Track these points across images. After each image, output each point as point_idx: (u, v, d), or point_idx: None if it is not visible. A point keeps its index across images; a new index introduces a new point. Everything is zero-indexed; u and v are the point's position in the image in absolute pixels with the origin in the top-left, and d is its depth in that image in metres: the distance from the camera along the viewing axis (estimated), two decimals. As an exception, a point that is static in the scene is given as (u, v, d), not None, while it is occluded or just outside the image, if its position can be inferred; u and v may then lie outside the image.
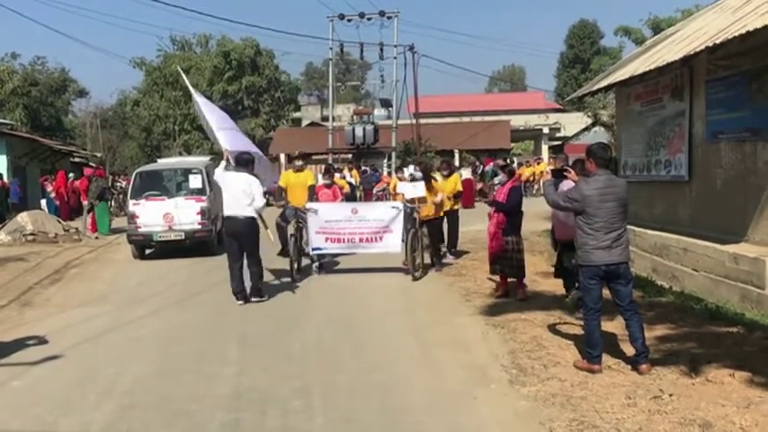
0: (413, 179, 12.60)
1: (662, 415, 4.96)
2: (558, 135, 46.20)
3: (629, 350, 6.39)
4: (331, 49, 35.09)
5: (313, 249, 11.52)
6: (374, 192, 26.74)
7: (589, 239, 6.19)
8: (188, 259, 13.81)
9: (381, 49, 33.52)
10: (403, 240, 11.41)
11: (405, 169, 22.74)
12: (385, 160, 36.17)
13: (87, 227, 19.60)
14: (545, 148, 44.31)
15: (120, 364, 7.02)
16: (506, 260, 9.52)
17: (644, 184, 13.13)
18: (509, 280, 9.69)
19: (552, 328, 7.55)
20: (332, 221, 11.28)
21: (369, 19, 33.21)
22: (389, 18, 33.30)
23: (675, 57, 10.26)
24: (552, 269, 9.56)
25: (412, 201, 11.58)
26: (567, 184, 7.17)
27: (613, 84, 13.49)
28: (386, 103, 44.81)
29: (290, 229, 11.88)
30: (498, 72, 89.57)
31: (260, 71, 57.52)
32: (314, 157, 38.59)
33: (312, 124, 51.47)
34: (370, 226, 11.23)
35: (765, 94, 9.15)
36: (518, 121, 44.50)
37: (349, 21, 33.30)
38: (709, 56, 9.77)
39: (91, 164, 32.74)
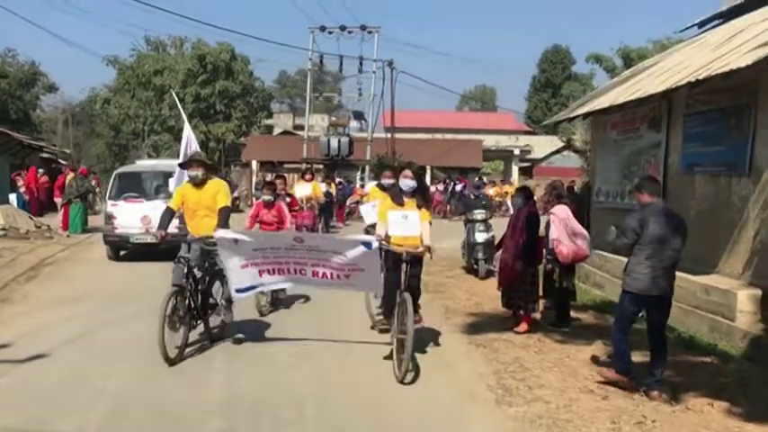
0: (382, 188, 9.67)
1: (646, 440, 5.10)
2: (527, 157, 46.88)
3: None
4: (311, 59, 35.19)
5: (238, 291, 7.92)
6: (347, 204, 26.93)
7: (640, 268, 6.33)
8: (163, 263, 13.57)
9: (361, 63, 33.75)
10: (376, 297, 8.86)
11: (369, 184, 22.58)
12: (358, 173, 36.33)
13: (59, 224, 19.39)
14: (515, 169, 44.90)
15: (108, 365, 7.02)
16: (522, 292, 8.85)
17: (618, 211, 13.39)
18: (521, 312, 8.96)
19: (532, 350, 7.69)
20: (266, 249, 7.66)
21: (350, 32, 33.42)
22: (370, 33, 33.58)
23: (657, 89, 10.49)
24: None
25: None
26: (560, 210, 7.41)
27: (592, 111, 13.77)
28: (359, 116, 45.03)
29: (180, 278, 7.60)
30: (469, 91, 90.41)
31: (234, 76, 57.37)
32: (286, 166, 38.65)
33: (285, 132, 51.46)
34: (326, 258, 7.54)
35: (743, 131, 9.39)
36: (488, 141, 45.04)
37: (330, 33, 33.45)
38: (689, 90, 9.95)
39: (62, 161, 32.31)
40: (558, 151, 45.66)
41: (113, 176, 15.58)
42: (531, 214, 8.91)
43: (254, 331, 8.44)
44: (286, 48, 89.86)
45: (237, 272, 7.74)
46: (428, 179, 33.13)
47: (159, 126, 57.31)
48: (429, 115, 56.28)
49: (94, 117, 64.41)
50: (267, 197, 9.88)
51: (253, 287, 8.00)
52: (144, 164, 17.78)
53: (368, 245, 7.23)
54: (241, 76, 57.86)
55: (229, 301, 8.07)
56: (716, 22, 14.26)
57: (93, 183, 27.35)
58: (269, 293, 9.44)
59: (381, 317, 8.33)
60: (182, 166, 8.33)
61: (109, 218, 14.52)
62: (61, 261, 14.42)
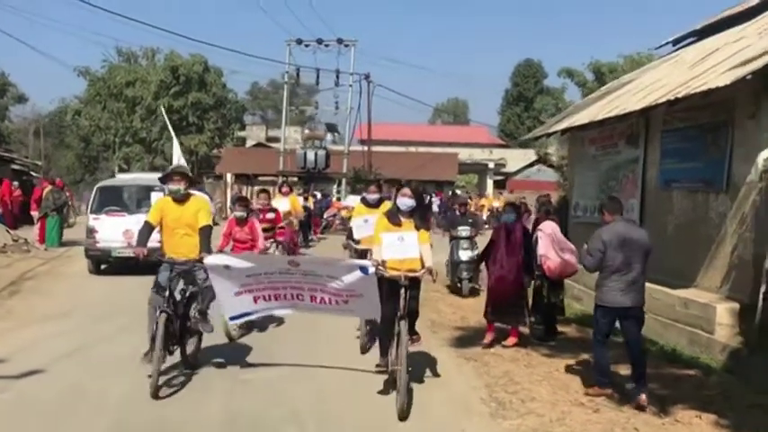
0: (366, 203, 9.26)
1: (641, 453, 5.24)
2: (502, 170, 47.31)
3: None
4: (287, 72, 35.35)
5: (232, 318, 7.78)
6: (324, 217, 26.90)
7: (607, 282, 6.72)
8: (145, 277, 13.57)
9: (337, 76, 33.91)
10: (367, 325, 8.40)
11: (351, 197, 22.47)
12: (335, 186, 36.38)
13: (35, 237, 19.16)
14: (490, 182, 45.27)
15: (105, 379, 7.04)
16: (513, 307, 8.80)
17: (595, 226, 13.57)
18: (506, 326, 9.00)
19: (521, 364, 7.81)
20: (259, 275, 7.17)
21: (326, 45, 33.60)
22: (347, 46, 33.80)
23: (637, 106, 10.70)
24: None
25: (365, 251, 8.43)
26: (547, 226, 7.58)
27: (571, 127, 13.97)
28: (332, 128, 45.11)
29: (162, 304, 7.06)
30: (442, 104, 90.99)
31: (207, 88, 57.18)
32: (261, 178, 38.57)
33: (259, 145, 51.38)
34: (323, 283, 7.04)
35: (720, 148, 9.60)
36: (462, 155, 45.39)
37: (306, 46, 33.63)
38: (667, 107, 10.13)
39: (33, 173, 31.88)
40: (530, 165, 46.19)
41: (95, 190, 15.51)
42: (525, 229, 9.11)
43: (234, 355, 8.07)
44: (257, 59, 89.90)
45: (230, 299, 7.30)
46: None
47: (131, 138, 56.81)
48: (402, 128, 56.61)
49: (64, 128, 63.67)
50: (240, 213, 9.26)
51: (248, 314, 7.58)
52: (125, 177, 17.73)
53: (364, 270, 6.66)
54: (214, 88, 57.70)
55: (203, 312, 7.51)
56: (690, 39, 14.58)
57: (67, 195, 27.04)
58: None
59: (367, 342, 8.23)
60: (162, 179, 7.66)
61: (90, 231, 14.44)
62: (42, 275, 14.31)
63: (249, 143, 57.18)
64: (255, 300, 7.29)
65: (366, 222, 8.71)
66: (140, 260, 7.12)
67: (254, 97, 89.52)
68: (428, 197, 33.30)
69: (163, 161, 56.93)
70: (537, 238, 9.18)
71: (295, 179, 34.61)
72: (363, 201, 9.63)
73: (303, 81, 41.25)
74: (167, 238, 7.33)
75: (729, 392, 6.85)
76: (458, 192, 36.49)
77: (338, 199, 31.71)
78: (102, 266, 14.78)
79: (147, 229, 7.30)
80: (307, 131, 49.74)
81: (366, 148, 34.31)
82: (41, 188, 20.02)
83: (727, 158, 9.44)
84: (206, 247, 7.14)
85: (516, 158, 47.99)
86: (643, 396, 6.45)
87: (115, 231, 14.14)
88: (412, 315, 6.80)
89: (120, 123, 56.10)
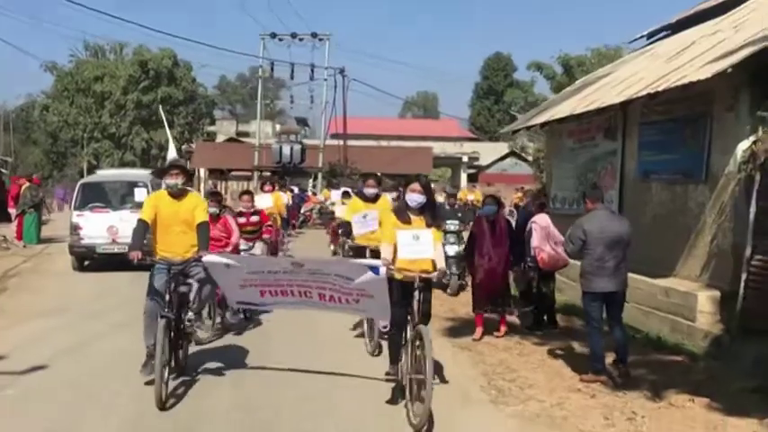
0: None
1: (641, 435, 5.47)
2: (475, 164, 47.62)
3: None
4: (261, 67, 35.28)
5: (238, 303, 7.69)
6: (302, 211, 26.88)
7: (591, 269, 7.02)
8: (130, 273, 13.55)
9: (312, 70, 33.98)
10: (384, 330, 7.62)
11: (333, 191, 22.60)
12: (310, 180, 36.39)
13: (13, 235, 19.03)
14: (464, 176, 45.56)
15: (111, 373, 7.10)
16: (502, 297, 8.99)
17: (574, 217, 13.77)
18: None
19: (515, 352, 8.01)
20: (263, 273, 6.91)
21: (300, 39, 33.59)
22: (321, 40, 33.84)
23: (616, 100, 10.86)
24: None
25: (361, 247, 8.39)
26: (541, 219, 7.80)
27: (551, 120, 14.16)
28: (302, 122, 45.08)
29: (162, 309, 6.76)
30: (411, 97, 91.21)
31: (177, 83, 56.78)
32: (235, 173, 38.42)
33: (231, 139, 51.11)
34: (331, 282, 6.66)
35: (698, 140, 9.79)
36: (434, 148, 45.60)
37: (280, 40, 33.59)
38: (646, 101, 10.26)
39: (2, 170, 31.35)
40: (503, 158, 46.58)
41: (78, 186, 15.54)
42: (507, 220, 9.39)
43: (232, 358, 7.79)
44: (227, 53, 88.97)
45: (236, 290, 7.04)
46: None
47: (100, 133, 56.29)
48: (373, 122, 56.60)
49: (31, 124, 62.75)
50: (212, 209, 8.59)
51: (254, 304, 7.35)
52: (106, 173, 17.73)
53: (375, 270, 6.21)
54: (184, 83, 57.33)
55: (199, 315, 7.19)
56: (664, 33, 14.84)
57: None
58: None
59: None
60: (159, 174, 7.36)
61: (75, 228, 14.43)
62: (26, 273, 14.31)
63: (220, 138, 56.78)
64: (262, 293, 6.99)
65: (365, 219, 8.44)
66: (135, 263, 6.62)
67: (223, 91, 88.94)
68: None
69: (132, 157, 56.51)
70: (531, 230, 9.40)
71: (268, 173, 34.56)
72: (360, 195, 9.23)
73: (276, 75, 41.27)
74: (161, 236, 6.86)
75: (717, 377, 7.09)
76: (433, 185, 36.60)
77: (314, 194, 31.73)
78: (86, 263, 14.77)
79: (142, 227, 6.79)
80: (279, 126, 49.67)
81: (341, 143, 34.36)
82: (19, 185, 19.84)
83: (706, 150, 9.62)
84: (204, 244, 6.80)
85: (487, 151, 48.31)
86: (624, 369, 6.99)
87: (99, 228, 14.19)
88: (425, 319, 6.34)
89: (88, 119, 55.61)
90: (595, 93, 12.90)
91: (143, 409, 6.14)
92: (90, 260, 14.76)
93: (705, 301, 8.76)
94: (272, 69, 35.83)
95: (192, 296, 6.88)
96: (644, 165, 11.30)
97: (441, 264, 6.32)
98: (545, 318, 9.65)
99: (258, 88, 37.96)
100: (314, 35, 33.94)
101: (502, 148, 47.06)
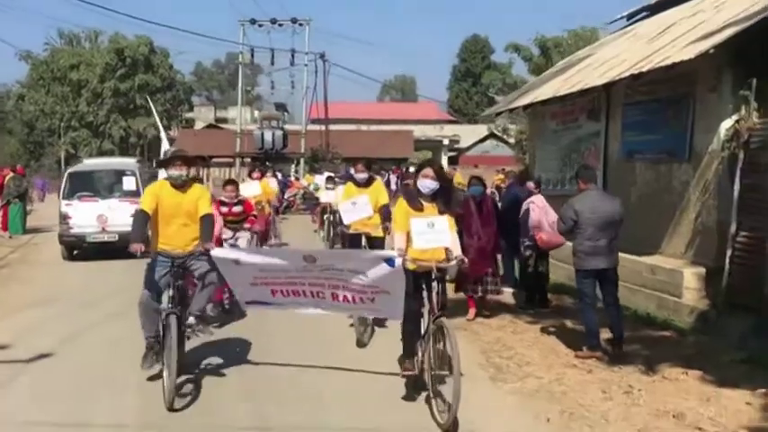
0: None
1: (638, 407, 5.68)
2: (455, 147, 47.84)
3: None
4: (241, 53, 35.15)
5: (249, 302, 7.06)
6: (285, 197, 26.86)
7: (582, 248, 7.20)
8: (120, 261, 13.56)
9: (293, 56, 33.92)
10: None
11: (317, 176, 22.61)
12: (293, 166, 36.38)
13: (-1, 225, 19.06)
14: (444, 159, 45.76)
15: (116, 361, 7.13)
16: (491, 276, 9.04)
17: (559, 198, 13.95)
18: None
19: (508, 330, 8.20)
20: (275, 271, 6.52)
21: (280, 25, 33.50)
22: (301, 25, 33.77)
23: (599, 81, 10.98)
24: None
25: (356, 235, 8.26)
26: (539, 200, 7.96)
27: (534, 102, 14.26)
28: (280, 107, 44.99)
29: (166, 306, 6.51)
30: (389, 80, 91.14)
31: (154, 70, 56.29)
32: (216, 160, 38.28)
33: (210, 126, 50.93)
34: (345, 279, 6.26)
35: (681, 120, 9.93)
36: (415, 132, 45.74)
37: (260, 26, 33.49)
38: (629, 82, 10.32)
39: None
40: (482, 140, 46.81)
41: (65, 176, 15.51)
42: (493, 200, 9.60)
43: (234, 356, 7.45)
44: (201, 38, 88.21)
45: (246, 287, 6.68)
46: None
47: (77, 122, 55.72)
48: (352, 106, 56.61)
49: (5, 114, 61.94)
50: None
51: (265, 303, 6.87)
52: (92, 162, 17.61)
53: (390, 261, 5.82)
54: (161, 70, 56.85)
55: (202, 312, 6.77)
56: (644, 14, 14.98)
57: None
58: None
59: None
60: (162, 164, 7.11)
61: (64, 218, 14.43)
62: (15, 263, 14.31)
63: (199, 124, 56.52)
64: (273, 293, 6.65)
65: (354, 205, 8.27)
66: (138, 256, 6.30)
67: (199, 78, 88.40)
68: (386, 174, 33.63)
69: (111, 145, 56.04)
70: (528, 210, 9.59)
71: (248, 159, 34.49)
72: (352, 180, 9.02)
73: (255, 61, 41.03)
74: (162, 228, 6.49)
75: (706, 351, 7.30)
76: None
77: (296, 179, 31.75)
78: (75, 252, 14.79)
79: (143, 218, 6.39)
80: (258, 112, 49.55)
81: (322, 128, 34.36)
82: (2, 176, 19.74)
83: (689, 130, 9.76)
84: (209, 236, 6.47)
85: (467, 134, 48.52)
86: (618, 347, 7.19)
87: (89, 217, 14.22)
88: (444, 311, 5.90)
89: (65, 108, 54.99)
90: (578, 74, 12.99)
91: (158, 392, 6.10)
92: (79, 249, 14.77)
93: (691, 277, 8.95)
94: (252, 56, 35.72)
95: (197, 296, 6.62)
96: (628, 145, 11.44)
97: (457, 251, 6.01)
98: (537, 296, 9.85)
99: (239, 74, 37.82)
100: (294, 21, 33.87)
101: (481, 130, 47.28)
